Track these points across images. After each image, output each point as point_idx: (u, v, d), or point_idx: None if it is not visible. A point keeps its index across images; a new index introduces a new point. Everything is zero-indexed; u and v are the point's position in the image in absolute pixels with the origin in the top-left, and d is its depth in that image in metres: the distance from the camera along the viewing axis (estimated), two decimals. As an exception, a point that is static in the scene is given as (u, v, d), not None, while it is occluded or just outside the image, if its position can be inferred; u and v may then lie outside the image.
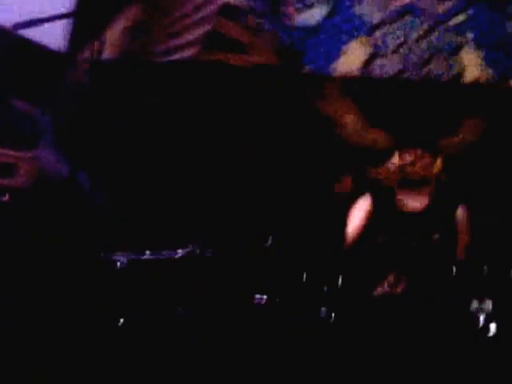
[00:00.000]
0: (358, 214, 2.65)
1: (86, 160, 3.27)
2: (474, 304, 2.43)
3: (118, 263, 2.99)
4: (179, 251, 2.87)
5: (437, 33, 3.26)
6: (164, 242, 2.96)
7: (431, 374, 2.36)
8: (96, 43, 3.21)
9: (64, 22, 3.36)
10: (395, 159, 2.62)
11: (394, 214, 2.62)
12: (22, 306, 2.82)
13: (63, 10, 3.36)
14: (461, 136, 3.15)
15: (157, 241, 2.99)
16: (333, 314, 2.50)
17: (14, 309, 2.80)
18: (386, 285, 2.48)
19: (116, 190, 3.29)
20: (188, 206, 3.23)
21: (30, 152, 3.26)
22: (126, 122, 3.28)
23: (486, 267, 2.45)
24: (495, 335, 2.40)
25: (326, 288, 2.56)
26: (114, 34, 3.30)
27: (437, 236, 2.58)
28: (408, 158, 2.58)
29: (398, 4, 3.30)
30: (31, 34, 3.32)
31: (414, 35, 3.28)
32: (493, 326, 2.41)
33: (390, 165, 2.68)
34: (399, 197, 2.63)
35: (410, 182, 2.61)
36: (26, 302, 2.84)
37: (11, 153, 3.23)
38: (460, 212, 2.62)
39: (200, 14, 3.35)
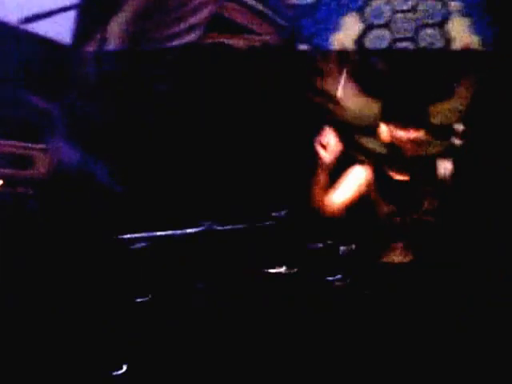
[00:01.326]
0: (355, 182, 2.69)
1: (98, 149, 3.38)
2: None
3: (136, 244, 3.14)
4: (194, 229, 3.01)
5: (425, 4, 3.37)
6: (179, 221, 3.10)
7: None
8: (101, 34, 3.31)
9: (69, 14, 3.43)
10: (383, 130, 2.67)
11: (392, 183, 2.69)
12: (45, 290, 2.97)
13: (67, 3, 3.44)
14: (451, 103, 3.25)
15: (171, 220, 3.13)
16: (347, 281, 2.64)
17: (38, 292, 2.95)
18: (393, 254, 2.62)
19: (129, 176, 3.40)
20: (200, 185, 3.35)
21: (44, 144, 3.39)
22: (134, 111, 3.39)
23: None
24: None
25: (339, 255, 2.69)
26: (118, 24, 3.39)
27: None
28: (398, 131, 2.62)
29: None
30: (37, 28, 3.41)
31: (404, 7, 3.39)
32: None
33: (379, 135, 2.75)
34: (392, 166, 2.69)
35: (400, 158, 2.66)
36: (49, 286, 2.99)
37: (27, 145, 3.35)
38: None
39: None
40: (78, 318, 2.85)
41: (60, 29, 3.43)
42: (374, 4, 3.42)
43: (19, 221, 3.20)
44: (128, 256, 3.05)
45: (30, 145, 3.37)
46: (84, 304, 2.91)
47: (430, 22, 3.36)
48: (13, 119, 3.36)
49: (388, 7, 3.40)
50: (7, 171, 3.32)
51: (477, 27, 3.32)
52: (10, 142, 3.36)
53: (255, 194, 3.22)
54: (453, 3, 3.35)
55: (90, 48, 3.39)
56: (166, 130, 3.35)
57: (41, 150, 3.38)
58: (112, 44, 3.36)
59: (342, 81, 3.38)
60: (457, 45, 3.33)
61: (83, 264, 3.06)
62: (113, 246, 3.08)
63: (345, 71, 3.39)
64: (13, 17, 3.43)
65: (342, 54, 3.43)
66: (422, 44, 3.36)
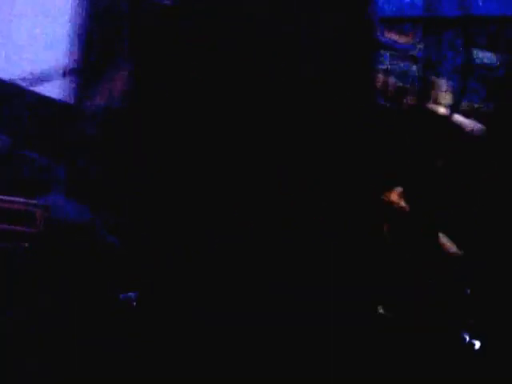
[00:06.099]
0: None
1: (99, 205, 3.38)
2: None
3: (134, 302, 3.12)
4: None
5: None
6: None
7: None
8: (103, 91, 3.35)
9: (71, 74, 3.50)
10: None
11: None
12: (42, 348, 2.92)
13: (69, 66, 3.50)
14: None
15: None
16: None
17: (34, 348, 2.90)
18: None
19: (129, 233, 3.39)
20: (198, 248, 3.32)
21: (43, 199, 3.38)
22: (136, 166, 3.40)
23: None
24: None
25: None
26: (118, 82, 3.44)
27: None
28: None
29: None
30: (40, 88, 3.47)
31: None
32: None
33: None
34: None
35: None
36: (46, 344, 2.95)
37: (26, 201, 3.34)
38: None
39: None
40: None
41: (63, 88, 3.48)
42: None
43: (15, 276, 3.19)
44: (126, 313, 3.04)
45: (29, 201, 3.36)
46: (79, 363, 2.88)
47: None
48: (13, 175, 3.38)
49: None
50: (5, 227, 3.30)
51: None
52: (9, 198, 3.35)
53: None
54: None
55: (92, 105, 3.42)
56: (165, 184, 3.35)
57: (40, 206, 3.37)
58: (114, 100, 3.40)
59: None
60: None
61: (80, 322, 3.03)
62: (110, 304, 3.07)
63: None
64: (18, 76, 3.50)
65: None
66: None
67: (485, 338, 2.47)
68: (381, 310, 2.55)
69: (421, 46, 3.42)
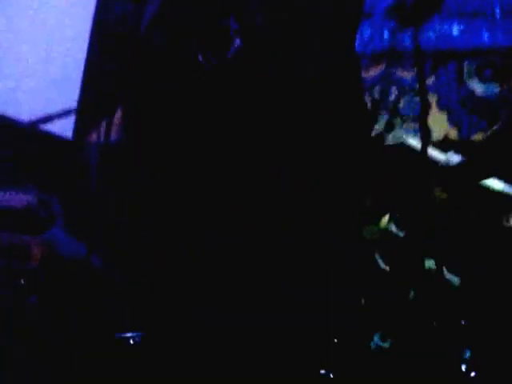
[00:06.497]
0: None
1: (98, 241, 3.37)
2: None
3: (132, 341, 3.07)
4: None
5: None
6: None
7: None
8: (103, 126, 3.37)
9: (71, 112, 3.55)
10: None
11: None
12: None
13: (70, 105, 3.56)
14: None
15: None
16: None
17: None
18: None
19: (128, 269, 3.37)
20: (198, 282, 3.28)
21: (42, 235, 3.38)
22: (134, 201, 3.40)
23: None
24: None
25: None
26: (118, 117, 3.47)
27: None
28: None
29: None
30: (41, 125, 3.52)
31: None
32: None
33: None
34: None
35: None
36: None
37: (24, 237, 3.34)
38: None
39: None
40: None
41: (62, 124, 3.52)
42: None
43: (13, 312, 3.17)
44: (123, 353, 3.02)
45: (26, 237, 3.36)
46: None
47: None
48: (11, 211, 3.38)
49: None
50: (2, 263, 3.30)
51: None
52: (8, 235, 3.35)
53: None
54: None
55: (91, 140, 3.45)
56: (164, 218, 3.34)
57: (39, 242, 3.36)
58: (113, 135, 3.42)
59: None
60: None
61: (79, 360, 3.00)
62: (108, 343, 3.04)
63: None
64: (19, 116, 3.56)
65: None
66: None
67: (481, 371, 2.41)
68: (377, 340, 2.50)
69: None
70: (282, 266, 2.88)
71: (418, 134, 3.30)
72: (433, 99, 3.51)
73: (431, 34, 3.59)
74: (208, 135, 3.22)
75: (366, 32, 3.62)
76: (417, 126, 3.38)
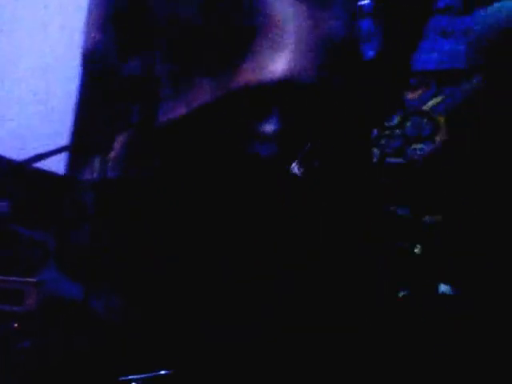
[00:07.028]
0: None
1: (94, 281, 3.24)
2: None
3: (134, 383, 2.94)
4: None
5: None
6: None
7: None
8: (97, 162, 3.26)
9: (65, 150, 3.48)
10: None
11: None
12: None
13: (62, 143, 3.48)
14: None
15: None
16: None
17: None
18: None
19: (126, 308, 3.24)
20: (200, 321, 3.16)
21: (35, 276, 3.25)
22: (132, 238, 3.28)
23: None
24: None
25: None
26: (114, 153, 3.36)
27: None
28: None
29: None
30: (36, 163, 3.45)
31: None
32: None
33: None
34: None
35: None
36: None
37: (17, 280, 3.21)
38: None
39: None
40: None
41: (55, 160, 3.43)
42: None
43: (5, 358, 3.04)
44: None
45: (20, 279, 3.23)
46: None
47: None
48: (5, 254, 3.28)
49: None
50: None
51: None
52: (2, 277, 3.23)
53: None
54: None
55: (85, 176, 3.33)
56: (165, 256, 3.21)
57: (32, 283, 3.23)
58: (109, 171, 3.31)
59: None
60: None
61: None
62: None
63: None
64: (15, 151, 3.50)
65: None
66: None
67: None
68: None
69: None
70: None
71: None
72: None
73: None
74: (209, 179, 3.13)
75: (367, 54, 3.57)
76: (424, 146, 3.36)
